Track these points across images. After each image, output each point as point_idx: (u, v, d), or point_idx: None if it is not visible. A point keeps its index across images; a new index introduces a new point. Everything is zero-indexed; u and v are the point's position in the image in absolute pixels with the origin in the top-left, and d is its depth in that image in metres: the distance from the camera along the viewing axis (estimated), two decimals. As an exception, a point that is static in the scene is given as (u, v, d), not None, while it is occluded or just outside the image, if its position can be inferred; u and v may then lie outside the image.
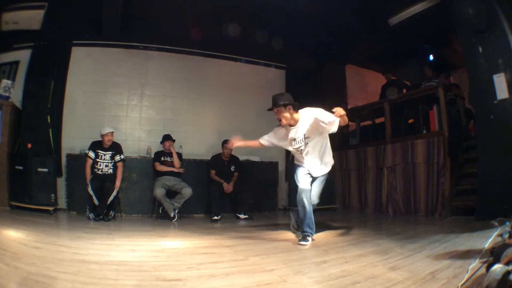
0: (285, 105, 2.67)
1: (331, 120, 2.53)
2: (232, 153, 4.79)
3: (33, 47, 4.84)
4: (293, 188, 5.40)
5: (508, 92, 3.23)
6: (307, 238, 2.65)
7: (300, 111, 2.75)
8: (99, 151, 4.18)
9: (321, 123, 2.59)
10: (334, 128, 2.59)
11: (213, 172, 4.62)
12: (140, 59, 5.42)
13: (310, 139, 2.74)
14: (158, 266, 1.88)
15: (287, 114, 2.68)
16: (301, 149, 2.79)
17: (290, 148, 2.89)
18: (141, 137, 5.31)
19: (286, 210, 5.57)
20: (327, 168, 2.88)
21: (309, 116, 2.68)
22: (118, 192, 4.17)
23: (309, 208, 2.74)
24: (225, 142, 4.70)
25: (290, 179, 5.58)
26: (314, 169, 2.84)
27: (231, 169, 4.72)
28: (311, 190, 2.83)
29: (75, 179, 4.46)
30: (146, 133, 5.33)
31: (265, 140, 2.98)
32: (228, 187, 4.50)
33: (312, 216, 2.76)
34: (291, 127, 2.76)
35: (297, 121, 2.72)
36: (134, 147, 5.17)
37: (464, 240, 2.55)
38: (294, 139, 2.78)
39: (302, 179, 2.83)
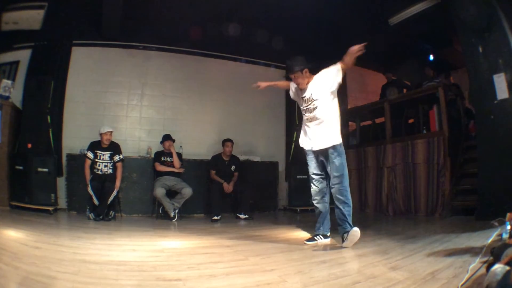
0: (301, 70, 2.65)
1: (336, 69, 2.54)
2: (233, 153, 4.80)
3: (33, 47, 4.84)
4: (293, 188, 5.44)
5: (508, 92, 3.23)
6: (314, 238, 2.69)
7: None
8: (98, 151, 4.17)
9: (327, 77, 2.60)
10: (339, 77, 2.57)
11: (213, 172, 4.62)
12: (140, 59, 5.42)
13: (319, 101, 2.63)
14: (158, 266, 1.88)
15: (304, 79, 2.66)
16: (310, 108, 2.69)
17: (301, 108, 2.81)
18: (141, 137, 5.31)
19: (286, 210, 5.57)
20: (328, 141, 2.62)
21: (318, 77, 2.68)
22: (118, 192, 4.16)
23: (317, 209, 2.76)
24: (225, 141, 4.69)
25: (290, 179, 5.58)
26: (315, 140, 2.69)
27: (232, 169, 4.72)
28: (325, 186, 2.73)
29: (75, 179, 4.46)
30: (146, 133, 5.33)
31: (291, 88, 2.86)
32: (228, 187, 4.50)
33: (321, 216, 2.75)
34: (305, 88, 2.71)
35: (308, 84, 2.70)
36: (134, 147, 5.17)
37: (464, 240, 2.54)
38: (303, 97, 2.72)
39: (311, 175, 2.78)
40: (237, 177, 4.71)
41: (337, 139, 2.64)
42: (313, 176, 2.77)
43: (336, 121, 2.67)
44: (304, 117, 2.78)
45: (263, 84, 2.90)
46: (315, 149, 2.70)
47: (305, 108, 2.73)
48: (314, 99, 2.65)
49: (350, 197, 2.59)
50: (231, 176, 4.66)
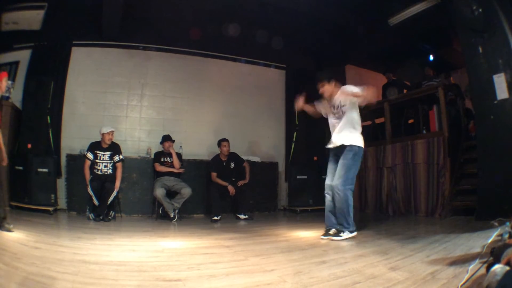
0: (329, 80, 3.07)
1: (355, 91, 2.84)
2: (232, 150, 4.78)
3: (33, 47, 4.84)
4: (293, 188, 5.44)
5: (508, 92, 3.23)
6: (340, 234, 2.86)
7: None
8: (98, 152, 4.17)
9: (346, 94, 2.93)
10: (359, 100, 2.92)
11: (214, 174, 4.56)
12: (140, 59, 5.42)
13: (345, 107, 3.01)
14: (158, 266, 1.88)
15: (329, 87, 3.08)
16: (339, 113, 3.06)
17: (330, 117, 3.17)
18: (141, 137, 5.31)
19: (286, 210, 5.57)
20: (348, 140, 2.95)
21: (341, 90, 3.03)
22: (118, 193, 4.16)
23: (327, 203, 3.03)
24: (221, 141, 4.67)
25: (290, 179, 5.57)
26: (336, 136, 3.04)
27: (231, 166, 4.71)
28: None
29: (75, 179, 4.46)
30: (146, 133, 5.33)
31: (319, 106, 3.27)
32: (233, 189, 4.48)
33: (331, 212, 3.00)
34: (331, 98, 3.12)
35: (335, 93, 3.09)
36: (134, 147, 5.17)
37: (464, 240, 2.54)
38: (333, 105, 3.09)
39: (327, 173, 3.09)
40: (247, 168, 4.76)
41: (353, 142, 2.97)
42: None
43: (356, 124, 3.04)
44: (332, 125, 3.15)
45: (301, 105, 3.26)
46: (337, 143, 3.00)
47: (334, 114, 3.11)
48: (343, 106, 3.02)
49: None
50: (232, 174, 4.63)
